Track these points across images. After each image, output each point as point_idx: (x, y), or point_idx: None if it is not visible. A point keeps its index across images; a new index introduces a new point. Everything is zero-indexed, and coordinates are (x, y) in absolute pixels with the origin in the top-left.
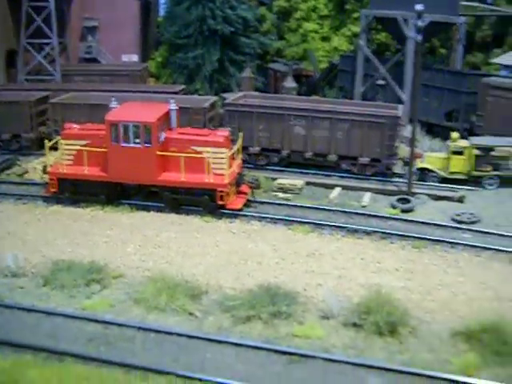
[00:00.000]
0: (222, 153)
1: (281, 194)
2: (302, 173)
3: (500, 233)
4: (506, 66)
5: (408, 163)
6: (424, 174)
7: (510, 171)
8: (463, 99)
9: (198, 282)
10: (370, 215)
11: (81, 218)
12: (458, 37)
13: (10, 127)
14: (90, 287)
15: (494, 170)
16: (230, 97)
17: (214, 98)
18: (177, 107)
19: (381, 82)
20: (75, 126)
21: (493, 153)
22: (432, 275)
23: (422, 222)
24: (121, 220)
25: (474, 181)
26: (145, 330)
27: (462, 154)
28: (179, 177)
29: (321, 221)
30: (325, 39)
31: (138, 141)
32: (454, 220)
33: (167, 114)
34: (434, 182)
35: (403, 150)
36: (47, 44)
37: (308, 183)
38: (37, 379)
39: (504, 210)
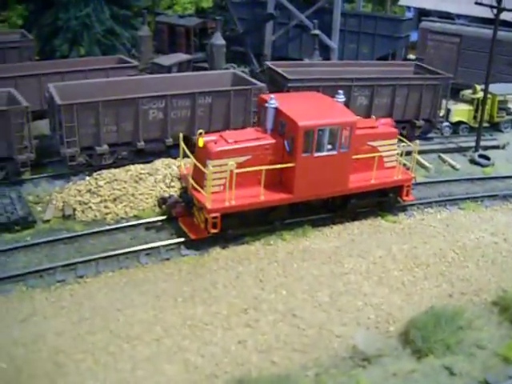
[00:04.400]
0: (393, 144)
1: None
2: None
3: None
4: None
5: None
6: (456, 126)
7: None
8: (400, 43)
9: None
10: (487, 178)
11: (277, 256)
12: None
13: None
14: None
15: (507, 114)
16: (279, 69)
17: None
18: (344, 98)
19: (316, 31)
20: (213, 136)
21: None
22: None
23: None
24: (321, 246)
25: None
26: None
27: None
28: (368, 179)
29: (471, 194)
30: None
31: (331, 147)
32: None
33: None
34: (464, 132)
35: None
36: None
37: None
38: None
39: None
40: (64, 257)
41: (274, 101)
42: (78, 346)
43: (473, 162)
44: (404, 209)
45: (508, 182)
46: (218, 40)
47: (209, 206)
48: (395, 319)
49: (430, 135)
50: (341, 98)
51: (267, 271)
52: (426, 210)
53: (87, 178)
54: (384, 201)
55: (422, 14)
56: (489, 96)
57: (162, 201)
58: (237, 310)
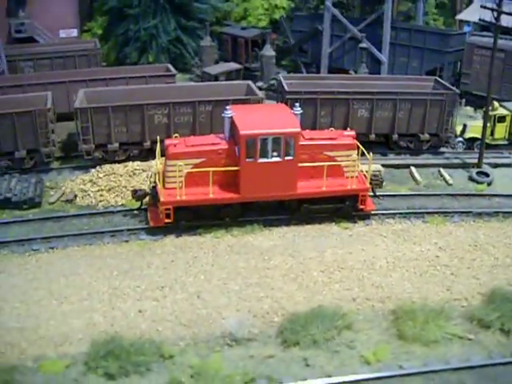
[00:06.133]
0: (352, 155)
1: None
2: None
3: None
4: (468, 22)
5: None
6: (470, 142)
7: None
8: (447, 58)
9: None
10: (470, 195)
11: (225, 247)
12: None
13: (24, 142)
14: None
15: None
16: (284, 81)
17: (248, 83)
18: (300, 111)
19: (364, 44)
20: (176, 140)
21: None
22: None
23: None
24: (261, 243)
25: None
26: None
27: (505, 120)
28: (320, 186)
29: (444, 208)
30: None
31: (276, 154)
32: None
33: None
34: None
35: None
36: None
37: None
38: None
39: None
40: (46, 231)
41: (229, 111)
42: (20, 297)
43: (470, 178)
44: (365, 217)
45: (494, 201)
46: (268, 51)
47: (162, 198)
48: (285, 312)
49: (442, 150)
50: (297, 110)
51: (199, 259)
52: (387, 220)
53: (92, 170)
54: (341, 208)
55: (486, 28)
56: (507, 113)
57: (134, 192)
58: (154, 286)
